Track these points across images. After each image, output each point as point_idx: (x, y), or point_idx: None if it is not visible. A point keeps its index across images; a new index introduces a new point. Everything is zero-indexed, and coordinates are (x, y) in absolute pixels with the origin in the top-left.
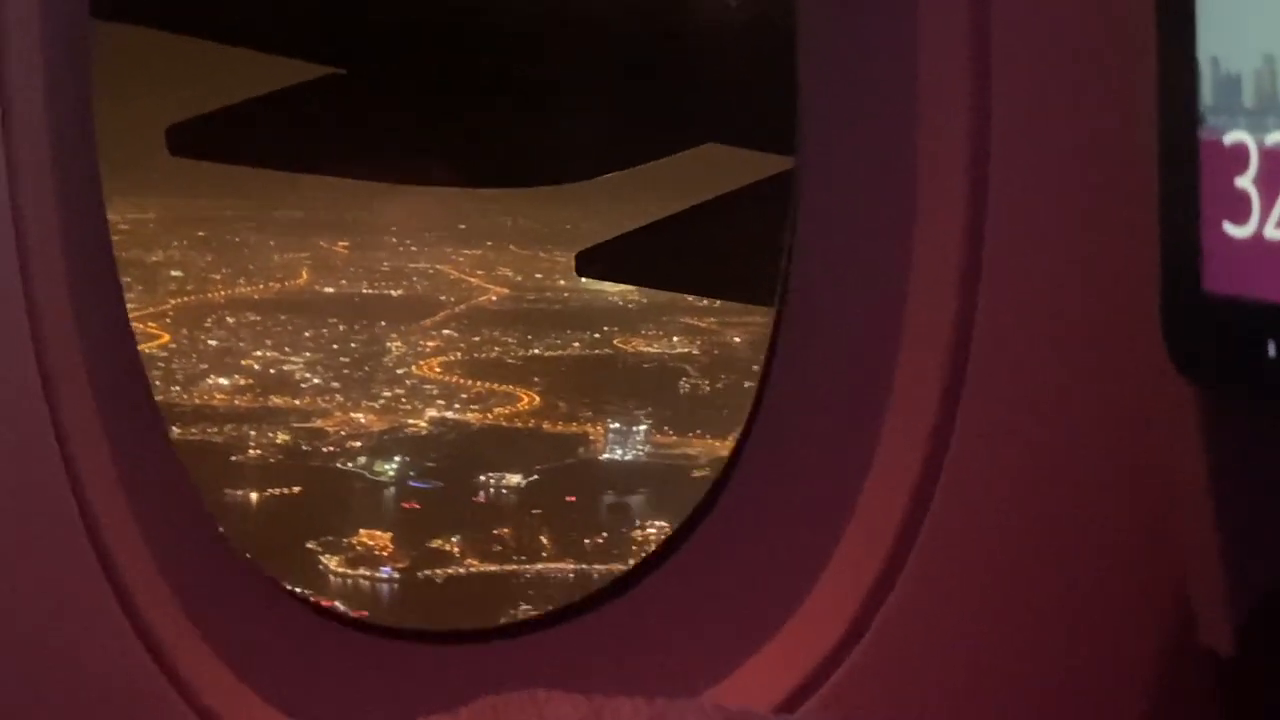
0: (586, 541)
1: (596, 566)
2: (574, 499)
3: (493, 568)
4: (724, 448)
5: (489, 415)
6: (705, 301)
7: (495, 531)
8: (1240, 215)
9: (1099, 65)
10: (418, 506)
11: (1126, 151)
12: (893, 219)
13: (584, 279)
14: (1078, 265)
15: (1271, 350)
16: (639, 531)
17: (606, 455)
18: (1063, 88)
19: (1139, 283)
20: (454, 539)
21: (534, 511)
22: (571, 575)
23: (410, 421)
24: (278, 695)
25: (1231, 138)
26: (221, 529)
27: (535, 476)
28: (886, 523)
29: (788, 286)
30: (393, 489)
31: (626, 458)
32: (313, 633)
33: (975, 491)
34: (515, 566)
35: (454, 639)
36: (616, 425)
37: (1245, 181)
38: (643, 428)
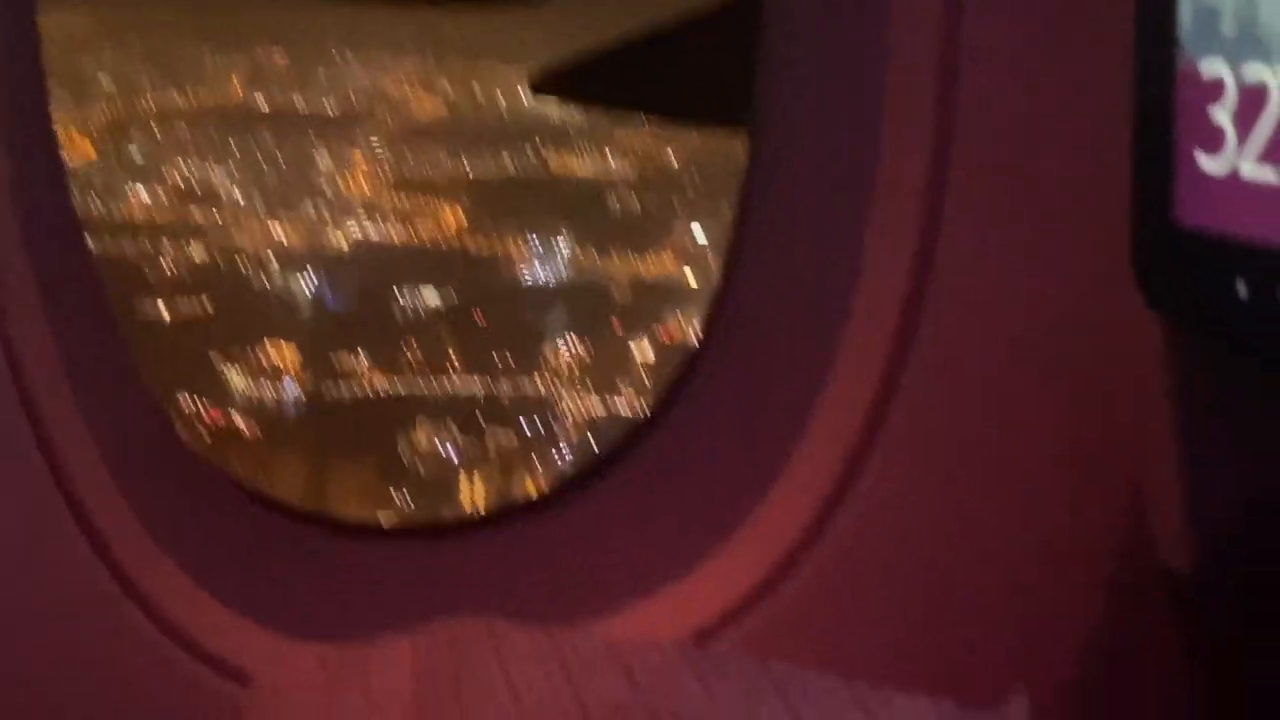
0: (497, 360)
1: (505, 385)
2: (485, 318)
3: (399, 385)
4: (645, 268)
5: (412, 233)
6: (644, 120)
7: (405, 349)
8: (1214, 149)
9: None
10: (327, 323)
11: (1106, 74)
12: (857, 125)
13: (523, 94)
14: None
15: (1241, 289)
16: (552, 351)
17: (527, 274)
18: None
19: (1110, 198)
20: (362, 357)
21: (445, 330)
22: (480, 393)
23: (330, 238)
24: (220, 585)
25: (1209, 69)
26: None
27: (453, 295)
28: (848, 424)
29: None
30: (307, 306)
31: (547, 277)
32: (263, 526)
33: (936, 398)
34: (422, 384)
35: (407, 535)
36: (538, 244)
37: (1221, 115)
38: (565, 247)
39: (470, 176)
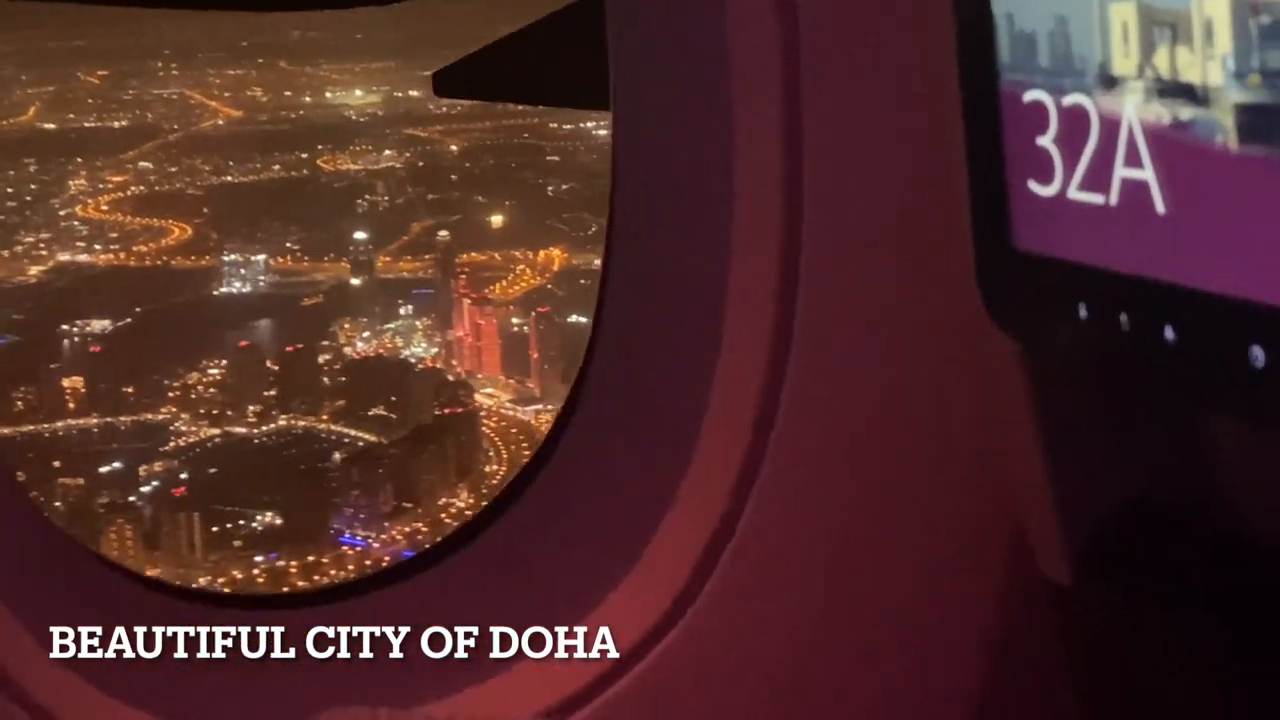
0: (128, 391)
1: (124, 419)
2: (140, 346)
3: (5, 430)
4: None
5: (121, 255)
6: (444, 109)
7: (21, 390)
8: (1044, 175)
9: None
10: None
11: (944, 104)
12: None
13: (329, 95)
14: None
15: (1082, 311)
16: (195, 374)
17: (224, 289)
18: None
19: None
20: None
21: (91, 365)
22: (95, 429)
23: (29, 270)
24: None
25: (1030, 95)
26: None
27: (127, 320)
28: (723, 475)
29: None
30: None
31: (244, 289)
32: (138, 603)
33: (809, 435)
34: (33, 427)
35: (259, 602)
36: (232, 257)
37: (1046, 140)
38: (260, 257)
39: (227, 186)
